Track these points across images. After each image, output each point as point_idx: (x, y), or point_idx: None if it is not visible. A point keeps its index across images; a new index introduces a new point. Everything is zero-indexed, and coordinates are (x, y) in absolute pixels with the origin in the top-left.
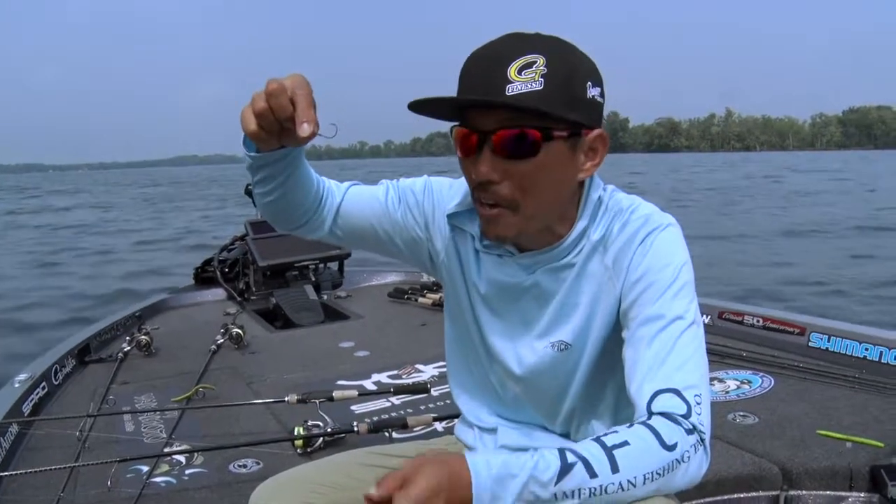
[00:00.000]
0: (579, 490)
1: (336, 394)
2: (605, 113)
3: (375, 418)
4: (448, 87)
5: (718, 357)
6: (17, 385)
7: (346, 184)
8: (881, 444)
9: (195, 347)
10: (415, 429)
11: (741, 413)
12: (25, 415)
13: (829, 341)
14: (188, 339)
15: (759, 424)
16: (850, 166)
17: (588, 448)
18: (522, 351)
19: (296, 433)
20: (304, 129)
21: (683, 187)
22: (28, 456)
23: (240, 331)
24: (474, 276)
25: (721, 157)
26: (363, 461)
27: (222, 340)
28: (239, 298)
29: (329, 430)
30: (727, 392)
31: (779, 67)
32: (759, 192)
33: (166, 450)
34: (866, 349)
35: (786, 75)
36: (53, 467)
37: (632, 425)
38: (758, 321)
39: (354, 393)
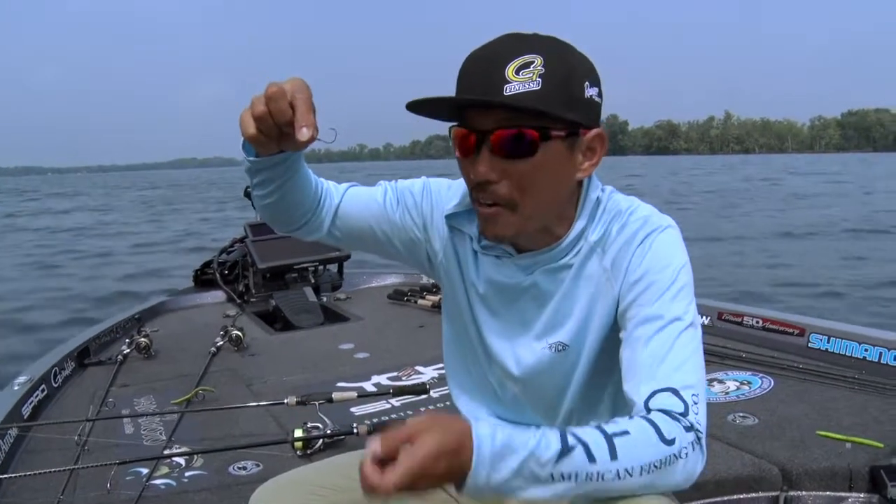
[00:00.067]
0: (576, 473)
1: (335, 395)
2: (605, 115)
3: (375, 420)
4: (447, 88)
5: (718, 358)
6: (16, 387)
7: (345, 185)
8: (881, 445)
9: (195, 350)
10: None
11: (741, 414)
12: (25, 417)
13: (828, 342)
14: (188, 342)
15: (759, 425)
16: (849, 168)
17: (589, 433)
18: (521, 351)
19: (295, 435)
20: (304, 134)
21: (682, 190)
22: (27, 458)
23: (239, 333)
24: (472, 277)
25: (720, 159)
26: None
27: (222, 342)
28: (238, 300)
29: (329, 431)
30: (727, 393)
31: (778, 69)
32: (757, 195)
33: (166, 452)
34: (866, 350)
35: (785, 78)
36: (53, 470)
37: (632, 418)
38: (757, 322)
39: (354, 395)
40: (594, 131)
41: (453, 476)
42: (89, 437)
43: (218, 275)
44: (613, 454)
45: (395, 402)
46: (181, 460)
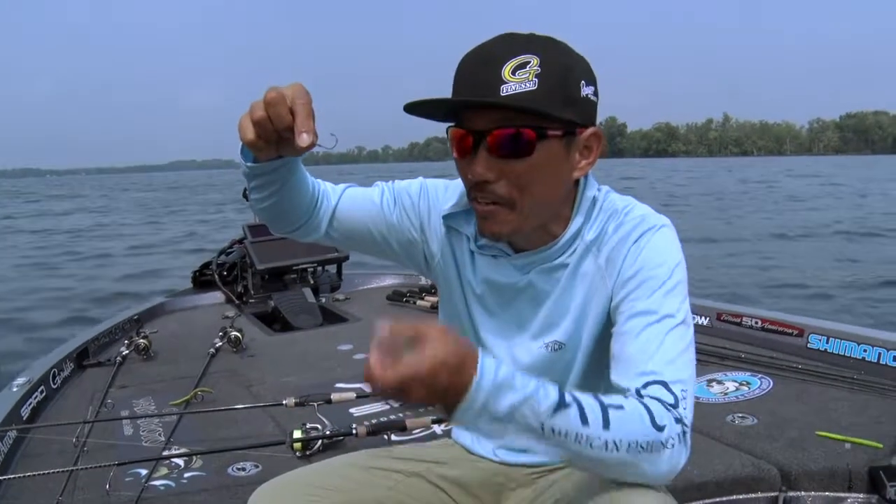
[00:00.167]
0: (567, 431)
1: (334, 396)
2: (603, 117)
3: (374, 421)
4: (445, 89)
5: (717, 358)
6: (15, 389)
7: (342, 186)
8: (880, 445)
9: (193, 351)
10: (413, 431)
11: (740, 414)
12: (24, 419)
13: (827, 342)
14: (186, 343)
15: (758, 426)
16: (847, 171)
17: (587, 398)
18: (517, 351)
19: (294, 436)
20: (304, 140)
21: (680, 192)
22: (26, 460)
23: (238, 334)
24: (469, 277)
25: (719, 161)
26: (362, 464)
27: (221, 344)
28: (237, 302)
29: (327, 432)
30: (726, 393)
31: (777, 72)
32: (756, 197)
33: (165, 453)
34: (865, 350)
35: (783, 80)
36: (52, 471)
37: (627, 398)
38: (756, 322)
39: (353, 395)
40: (590, 130)
41: (448, 396)
42: (88, 438)
43: (217, 276)
44: (606, 423)
45: (394, 402)
46: (180, 461)
